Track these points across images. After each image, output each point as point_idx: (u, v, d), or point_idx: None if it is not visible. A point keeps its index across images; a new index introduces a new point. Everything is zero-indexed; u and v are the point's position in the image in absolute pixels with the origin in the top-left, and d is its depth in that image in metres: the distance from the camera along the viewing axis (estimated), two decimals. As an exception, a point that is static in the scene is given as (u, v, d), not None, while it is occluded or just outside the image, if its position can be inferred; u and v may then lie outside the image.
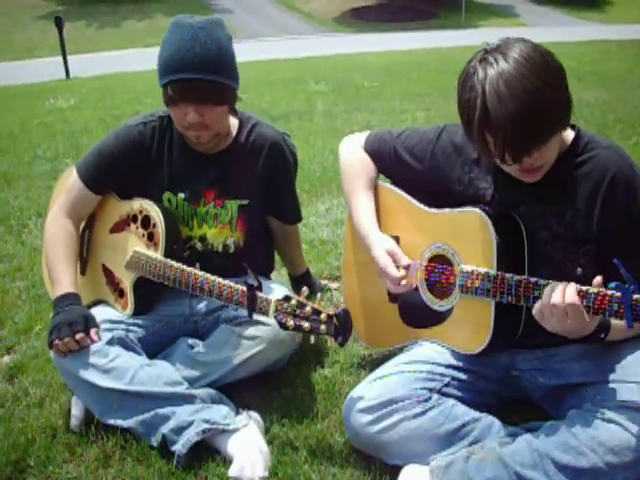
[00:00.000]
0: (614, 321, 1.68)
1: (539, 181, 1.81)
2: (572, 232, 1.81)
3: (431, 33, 23.29)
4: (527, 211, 1.86)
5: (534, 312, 1.71)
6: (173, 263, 2.15)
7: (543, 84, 1.63)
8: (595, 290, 1.61)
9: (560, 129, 1.72)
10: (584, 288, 1.63)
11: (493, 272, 1.82)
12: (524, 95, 1.61)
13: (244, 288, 1.96)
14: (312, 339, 1.86)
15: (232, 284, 2.01)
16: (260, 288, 1.95)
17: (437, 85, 9.63)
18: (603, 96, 8.05)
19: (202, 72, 2.06)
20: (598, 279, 1.62)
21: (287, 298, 1.87)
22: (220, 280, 2.05)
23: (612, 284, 1.58)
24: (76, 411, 2.13)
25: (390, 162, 2.13)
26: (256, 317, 2.02)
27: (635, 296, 1.55)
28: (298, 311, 1.83)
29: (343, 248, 2.33)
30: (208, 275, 2.07)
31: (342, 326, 1.78)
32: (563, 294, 1.63)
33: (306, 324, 1.82)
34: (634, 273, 1.57)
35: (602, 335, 1.71)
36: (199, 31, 2.06)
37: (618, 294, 1.57)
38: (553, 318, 1.66)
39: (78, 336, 2.02)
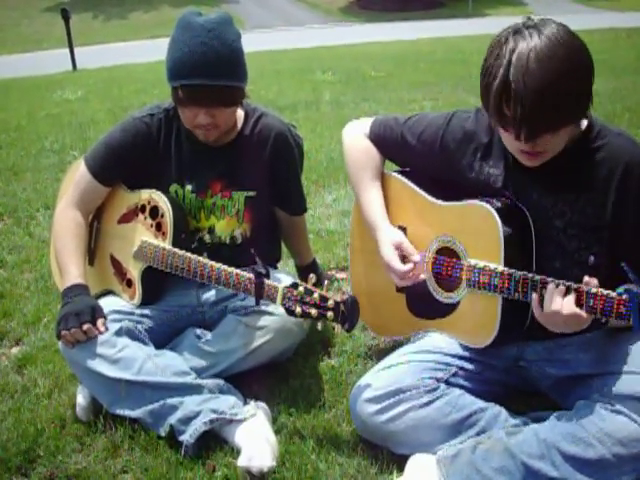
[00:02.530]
0: None
1: (551, 168, 1.80)
2: (585, 219, 1.80)
3: (438, 22, 23.15)
4: (539, 199, 1.85)
5: (537, 317, 1.72)
6: (180, 252, 2.15)
7: (573, 70, 1.61)
8: (594, 291, 1.62)
9: (575, 121, 1.71)
10: (583, 293, 1.64)
11: (500, 268, 1.81)
12: (553, 75, 1.59)
13: (252, 276, 1.97)
14: (319, 326, 1.87)
15: (240, 272, 2.02)
16: (268, 275, 1.96)
17: (445, 74, 9.58)
18: (612, 84, 7.99)
19: (214, 78, 2.06)
20: (595, 281, 1.64)
21: (295, 285, 1.88)
22: (228, 268, 2.06)
23: (620, 288, 1.58)
24: (81, 400, 2.15)
25: (396, 149, 2.12)
26: (263, 304, 2.02)
27: None
28: (306, 298, 1.84)
29: (350, 237, 2.33)
30: (216, 263, 2.08)
31: (349, 312, 1.79)
32: (561, 305, 1.65)
33: (313, 311, 1.83)
34: None
35: (604, 320, 1.70)
36: (210, 34, 2.06)
37: (626, 297, 1.57)
38: (558, 325, 1.69)
39: (85, 327, 2.03)
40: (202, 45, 2.05)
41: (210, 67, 2.06)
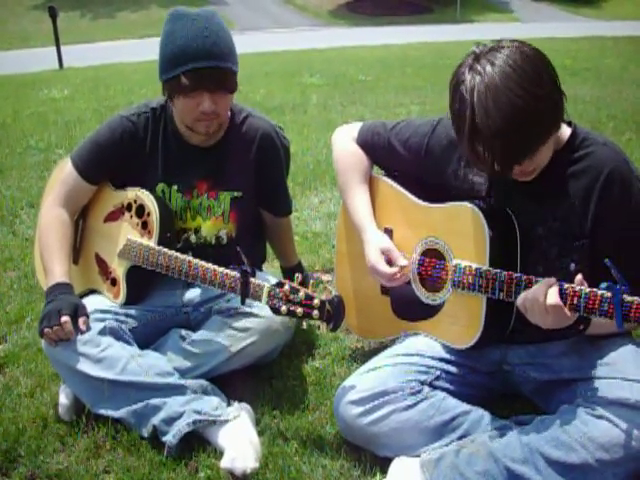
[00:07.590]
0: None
1: (534, 178, 1.81)
2: (566, 227, 1.81)
3: (426, 27, 23.24)
4: (522, 207, 1.86)
5: (518, 302, 1.73)
6: (166, 250, 2.15)
7: (530, 96, 1.60)
8: (568, 286, 1.63)
9: (550, 136, 1.70)
10: (568, 288, 1.64)
11: (485, 268, 1.82)
12: (510, 109, 1.59)
13: (237, 274, 1.97)
14: (304, 324, 1.87)
15: (225, 270, 2.02)
16: (253, 274, 1.96)
17: (432, 79, 9.62)
18: (598, 92, 8.05)
19: (219, 60, 2.08)
20: (585, 283, 1.64)
21: (280, 284, 1.88)
22: (213, 266, 2.05)
23: (603, 284, 1.59)
24: (64, 399, 2.13)
25: (384, 155, 2.13)
26: (249, 306, 2.01)
27: (625, 297, 1.55)
28: (291, 296, 1.84)
29: (336, 240, 2.33)
30: (201, 262, 2.08)
31: (335, 312, 1.80)
32: (545, 294, 1.65)
33: (299, 309, 1.83)
34: (628, 269, 1.58)
35: (581, 327, 1.71)
36: (208, 20, 2.09)
37: (608, 294, 1.58)
38: (535, 313, 1.68)
39: (63, 318, 2.00)
40: (204, 29, 2.07)
41: (214, 50, 2.07)
